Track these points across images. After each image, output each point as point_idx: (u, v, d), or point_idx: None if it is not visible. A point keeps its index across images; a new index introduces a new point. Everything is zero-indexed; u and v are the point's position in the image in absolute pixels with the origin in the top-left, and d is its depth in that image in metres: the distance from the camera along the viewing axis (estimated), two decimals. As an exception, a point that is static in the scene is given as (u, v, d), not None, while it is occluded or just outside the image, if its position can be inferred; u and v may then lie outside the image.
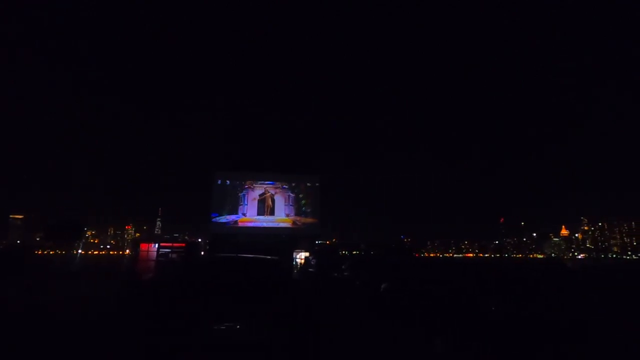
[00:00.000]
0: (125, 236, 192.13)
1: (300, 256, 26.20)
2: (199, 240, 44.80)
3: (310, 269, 18.61)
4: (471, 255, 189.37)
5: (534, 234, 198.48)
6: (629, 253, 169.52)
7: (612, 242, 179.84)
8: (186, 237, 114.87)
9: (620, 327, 5.03)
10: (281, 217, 29.72)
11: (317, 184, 30.93)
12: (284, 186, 30.21)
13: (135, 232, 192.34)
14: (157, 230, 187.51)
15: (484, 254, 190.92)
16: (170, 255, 15.21)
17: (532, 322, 5.73)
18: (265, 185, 29.95)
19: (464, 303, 6.97)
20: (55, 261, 33.14)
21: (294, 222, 29.72)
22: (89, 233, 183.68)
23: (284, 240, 28.07)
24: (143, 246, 15.30)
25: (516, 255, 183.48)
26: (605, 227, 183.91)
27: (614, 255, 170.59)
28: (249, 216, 29.19)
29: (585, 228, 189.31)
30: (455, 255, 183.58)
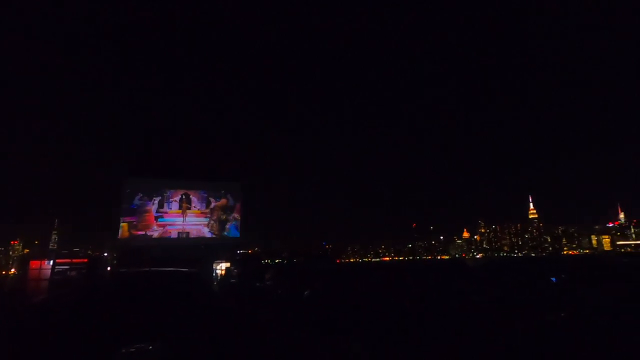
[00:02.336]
0: (11, 253, 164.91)
1: (221, 267, 25.07)
2: (105, 254, 40.34)
3: (232, 280, 17.95)
4: (388, 258, 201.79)
5: (441, 237, 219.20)
6: (516, 251, 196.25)
7: (503, 242, 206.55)
8: (89, 252, 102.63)
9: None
10: (199, 226, 28.32)
11: (237, 192, 30.18)
12: (203, 193, 28.89)
13: (24, 247, 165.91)
14: (53, 245, 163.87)
15: (399, 256, 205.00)
16: (68, 273, 13.50)
17: (448, 319, 6.26)
18: (181, 193, 28.29)
19: (382, 305, 7.36)
20: None
21: (211, 230, 28.52)
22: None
23: (203, 251, 26.74)
24: (34, 264, 13.34)
25: (426, 256, 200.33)
26: (498, 229, 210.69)
27: (504, 254, 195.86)
28: (164, 224, 27.27)
29: (482, 230, 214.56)
30: (373, 260, 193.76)
